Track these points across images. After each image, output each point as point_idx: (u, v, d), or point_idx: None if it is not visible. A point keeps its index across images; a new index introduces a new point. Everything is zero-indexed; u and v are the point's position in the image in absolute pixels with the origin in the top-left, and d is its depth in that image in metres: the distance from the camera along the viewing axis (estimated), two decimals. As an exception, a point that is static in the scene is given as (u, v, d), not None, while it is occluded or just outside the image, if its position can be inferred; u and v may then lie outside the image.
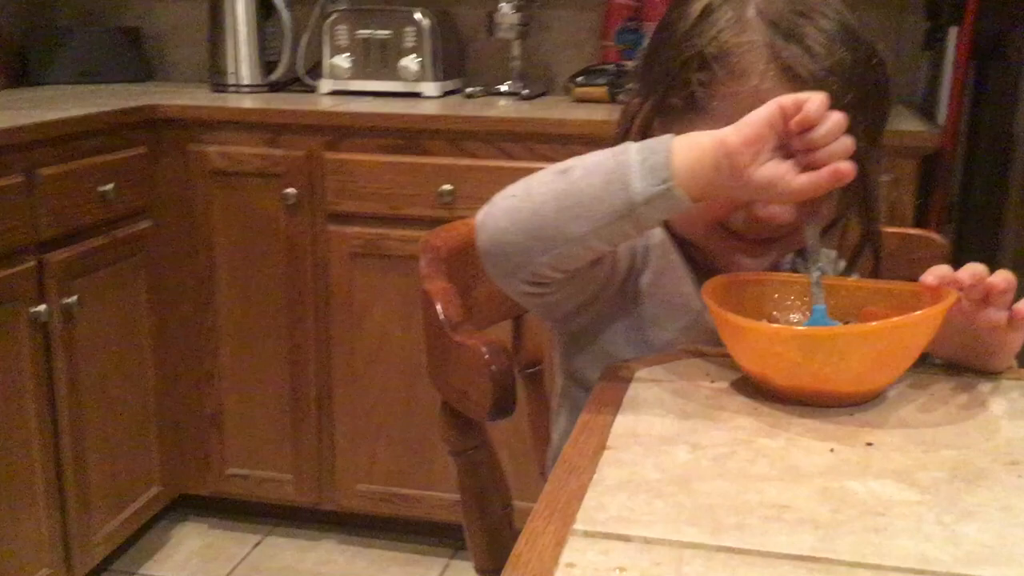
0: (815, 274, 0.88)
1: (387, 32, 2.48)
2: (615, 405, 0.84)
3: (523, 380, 1.29)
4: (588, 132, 2.12)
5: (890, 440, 0.78)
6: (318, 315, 2.35)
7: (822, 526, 0.66)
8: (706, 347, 0.94)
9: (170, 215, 2.37)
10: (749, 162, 0.80)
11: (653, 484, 0.71)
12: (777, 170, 0.80)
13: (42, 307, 2.00)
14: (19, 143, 1.96)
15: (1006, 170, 1.99)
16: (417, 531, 2.45)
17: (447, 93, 2.53)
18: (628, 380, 0.89)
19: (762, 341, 0.83)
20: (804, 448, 0.77)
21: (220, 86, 2.59)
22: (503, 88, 2.55)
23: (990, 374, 0.91)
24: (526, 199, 0.87)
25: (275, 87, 2.61)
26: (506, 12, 2.50)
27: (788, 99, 0.80)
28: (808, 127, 0.80)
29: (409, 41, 2.47)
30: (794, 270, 1.10)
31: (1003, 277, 0.86)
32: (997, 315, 0.87)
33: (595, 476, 0.73)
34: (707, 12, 0.97)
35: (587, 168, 0.85)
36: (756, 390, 0.86)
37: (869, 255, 1.06)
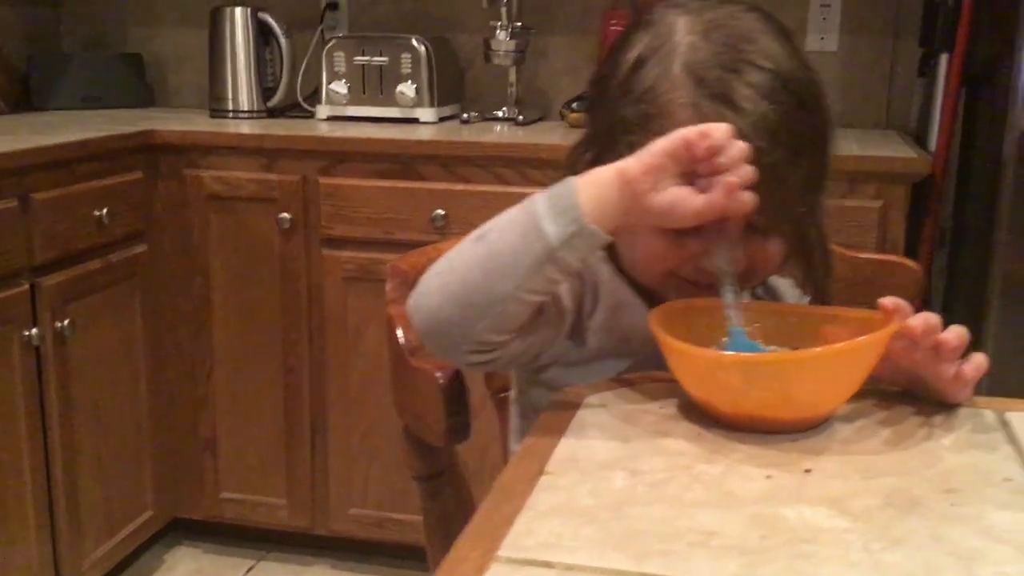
0: (728, 296, 0.88)
1: (384, 59, 2.50)
2: (560, 431, 0.84)
3: (495, 404, 1.30)
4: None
5: (829, 467, 0.78)
6: (312, 339, 2.36)
7: (748, 552, 0.65)
8: (658, 373, 0.94)
9: (166, 239, 2.38)
10: (649, 189, 0.82)
11: (586, 510, 0.71)
12: (677, 194, 0.83)
13: (35, 330, 2.01)
14: (13, 167, 1.98)
15: (996, 195, 1.98)
16: (410, 556, 2.44)
17: (444, 119, 2.55)
18: (577, 406, 0.89)
19: (704, 367, 0.83)
20: (742, 474, 0.77)
21: (219, 112, 2.62)
22: (499, 114, 2.57)
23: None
24: (451, 272, 0.88)
25: (273, 113, 2.63)
26: (502, 39, 2.52)
27: (692, 130, 0.82)
28: (716, 153, 0.81)
29: (406, 68, 2.49)
30: (755, 297, 1.10)
31: (956, 334, 0.85)
32: (947, 370, 0.86)
33: (528, 501, 0.72)
34: (638, 65, 0.96)
35: (501, 228, 0.86)
36: (703, 416, 0.86)
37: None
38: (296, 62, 2.66)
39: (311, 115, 2.60)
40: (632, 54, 0.98)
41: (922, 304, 2.10)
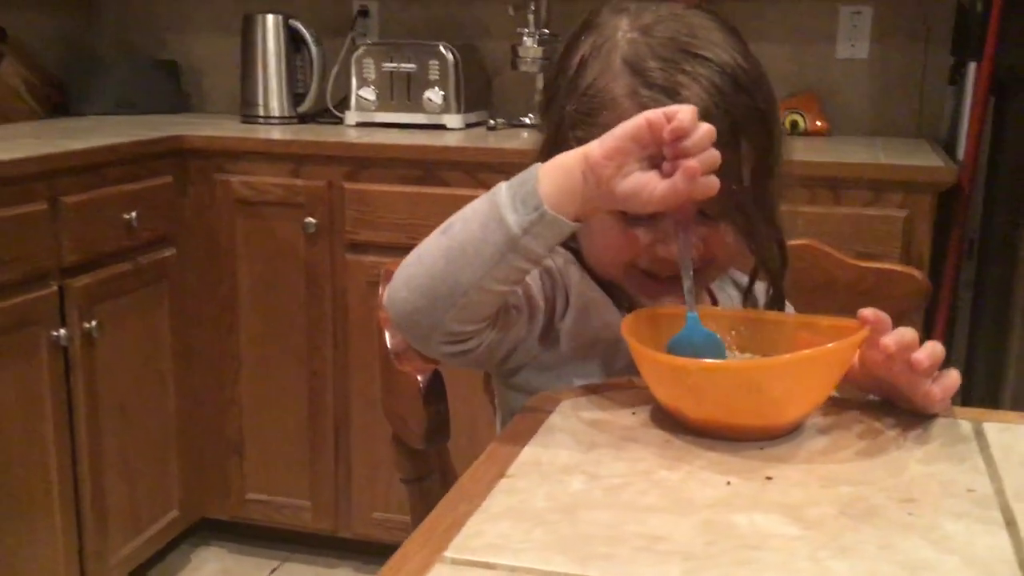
0: (687, 283, 0.88)
1: (412, 66, 2.52)
2: (528, 435, 0.84)
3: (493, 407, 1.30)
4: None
5: (791, 475, 0.77)
6: (336, 343, 2.38)
7: (692, 558, 0.65)
8: (636, 379, 0.94)
9: (194, 243, 2.42)
10: (613, 174, 0.82)
11: (538, 512, 0.72)
12: (640, 179, 0.82)
13: (63, 331, 2.05)
14: (43, 171, 2.02)
15: (1023, 205, 1.95)
16: (431, 560, 2.45)
17: (470, 125, 2.56)
18: (549, 411, 0.89)
19: (671, 373, 0.83)
20: (702, 480, 0.76)
21: (250, 117, 2.65)
22: (526, 120, 2.58)
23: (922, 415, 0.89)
24: (419, 264, 0.89)
25: (303, 119, 2.66)
26: (529, 46, 2.53)
27: (655, 112, 0.81)
28: (681, 136, 0.80)
29: (434, 74, 2.51)
30: (746, 302, 1.09)
31: (928, 353, 0.84)
32: (922, 384, 0.86)
33: (484, 503, 0.73)
34: (582, 64, 0.99)
35: (466, 218, 0.87)
36: (674, 423, 0.86)
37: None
38: (327, 68, 2.69)
39: (340, 121, 2.63)
40: (577, 56, 1.00)
41: (925, 315, 2.07)
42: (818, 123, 2.50)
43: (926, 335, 2.12)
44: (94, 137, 2.29)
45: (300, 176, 2.34)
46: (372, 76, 2.55)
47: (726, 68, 0.94)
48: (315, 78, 2.65)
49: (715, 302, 1.09)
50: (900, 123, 2.54)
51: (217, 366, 2.46)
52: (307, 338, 2.39)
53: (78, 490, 2.13)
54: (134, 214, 2.22)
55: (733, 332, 0.91)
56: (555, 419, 0.88)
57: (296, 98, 2.66)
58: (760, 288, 1.11)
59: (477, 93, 2.62)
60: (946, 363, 2.28)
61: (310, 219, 2.32)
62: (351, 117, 2.59)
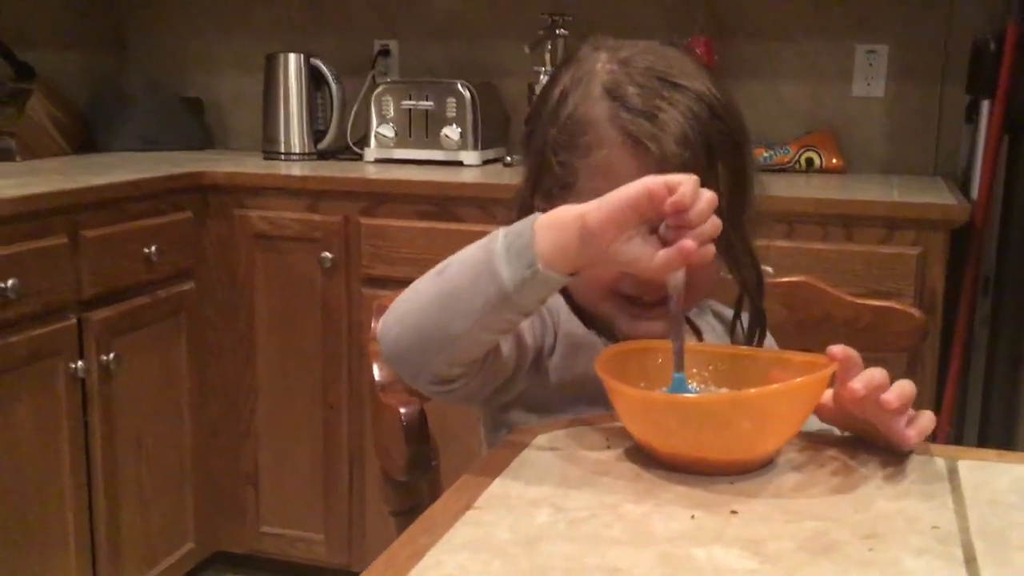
0: (676, 343, 0.88)
1: (430, 103, 2.56)
2: (500, 468, 0.85)
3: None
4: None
5: (757, 509, 0.77)
6: (351, 377, 2.40)
7: (646, 591, 0.66)
8: (615, 413, 0.95)
9: (213, 277, 2.45)
10: (612, 240, 0.81)
11: (500, 544, 0.72)
12: (638, 249, 0.81)
13: (80, 363, 2.08)
14: (65, 206, 2.06)
15: (1037, 244, 1.94)
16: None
17: (487, 162, 2.58)
18: (524, 445, 0.90)
19: (640, 407, 0.84)
20: (667, 514, 0.77)
21: (271, 153, 2.70)
22: (542, 158, 2.59)
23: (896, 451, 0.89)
24: (412, 304, 0.90)
25: (324, 155, 2.70)
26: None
27: (657, 181, 0.80)
28: (682, 210, 0.80)
29: (451, 112, 2.54)
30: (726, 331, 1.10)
31: (897, 394, 0.84)
32: (895, 422, 0.86)
33: (448, 535, 0.74)
34: (563, 95, 1.02)
35: (461, 264, 0.87)
36: (647, 458, 0.86)
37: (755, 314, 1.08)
38: (347, 106, 2.73)
39: (359, 157, 2.67)
40: (558, 88, 1.03)
41: (940, 353, 2.06)
42: (834, 160, 2.50)
43: (941, 372, 2.12)
44: (118, 173, 2.33)
45: (317, 211, 2.37)
46: (391, 113, 2.59)
47: (702, 96, 0.97)
48: (335, 115, 2.69)
49: (698, 333, 1.10)
50: (916, 161, 2.54)
51: (233, 399, 2.49)
52: (323, 372, 2.41)
53: (93, 521, 2.15)
54: (154, 248, 2.26)
55: (711, 367, 0.92)
56: (529, 452, 0.89)
57: (317, 135, 2.70)
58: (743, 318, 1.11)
59: (494, 130, 2.64)
60: (962, 400, 2.25)
61: (326, 254, 2.35)
62: (370, 154, 2.62)
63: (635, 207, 0.80)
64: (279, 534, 2.52)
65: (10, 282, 1.88)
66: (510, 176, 2.40)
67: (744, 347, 1.03)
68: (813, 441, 0.90)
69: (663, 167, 0.93)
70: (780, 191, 2.16)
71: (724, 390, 0.91)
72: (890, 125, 2.55)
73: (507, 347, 0.96)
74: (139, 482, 2.28)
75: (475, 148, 2.55)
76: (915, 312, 1.34)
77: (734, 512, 0.77)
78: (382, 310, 1.15)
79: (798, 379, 0.82)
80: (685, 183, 0.80)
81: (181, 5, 3.04)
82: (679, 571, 0.68)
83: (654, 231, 0.82)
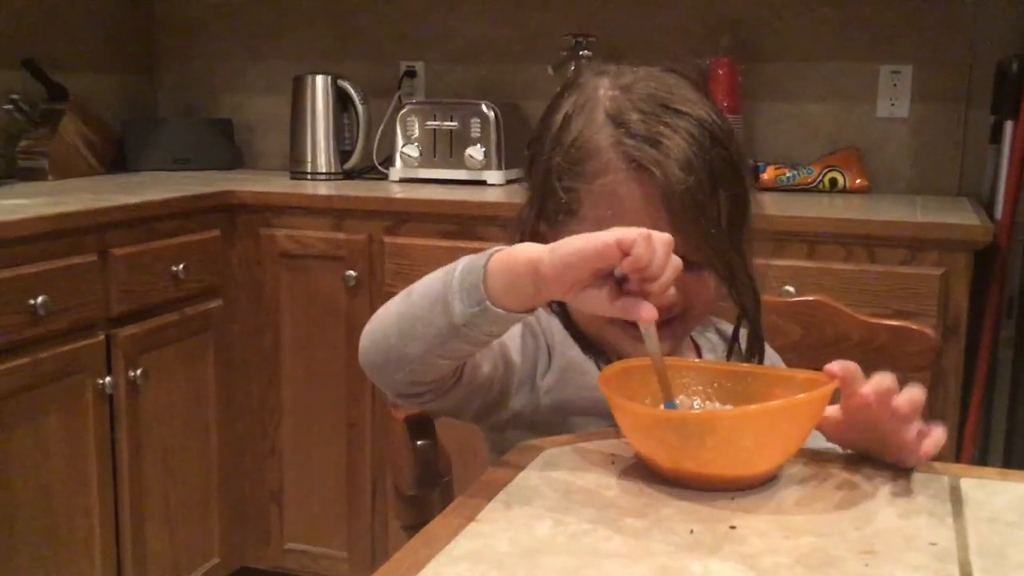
0: (660, 377, 0.88)
1: (455, 123, 2.58)
2: (505, 481, 0.86)
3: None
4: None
5: (756, 524, 0.78)
6: (375, 394, 2.41)
7: (639, 604, 0.66)
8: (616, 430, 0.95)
9: (240, 295, 2.48)
10: (566, 290, 0.82)
11: (499, 556, 0.73)
12: (592, 297, 0.82)
13: (108, 379, 2.11)
14: (94, 224, 2.10)
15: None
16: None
17: (511, 181, 2.60)
18: (531, 458, 0.91)
19: (642, 423, 0.85)
20: (667, 528, 0.77)
21: (299, 174, 2.73)
22: (566, 177, 2.61)
23: (901, 468, 0.89)
24: (379, 323, 0.93)
25: (350, 175, 2.73)
26: (570, 104, 2.57)
27: (608, 241, 0.79)
28: (640, 268, 0.80)
29: (475, 132, 2.57)
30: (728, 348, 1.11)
31: (907, 400, 0.84)
32: (906, 431, 0.86)
33: (448, 546, 0.75)
34: (566, 120, 1.03)
35: (422, 290, 0.90)
36: (651, 473, 0.87)
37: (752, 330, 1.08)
38: (373, 127, 2.76)
39: (385, 177, 2.69)
40: (560, 113, 1.04)
41: (964, 374, 2.05)
42: (858, 181, 2.49)
43: (965, 394, 2.10)
44: (147, 192, 2.37)
45: (342, 230, 2.39)
46: (416, 133, 2.62)
47: (703, 122, 0.98)
48: (361, 136, 2.72)
49: (698, 350, 1.10)
50: (942, 181, 2.53)
51: (259, 415, 2.51)
52: (347, 389, 2.43)
53: (119, 536, 2.18)
54: (182, 266, 2.29)
55: (715, 384, 0.93)
56: (534, 467, 0.90)
57: (343, 155, 2.73)
58: (743, 335, 1.12)
59: (518, 150, 2.66)
60: (987, 422, 2.24)
61: (351, 272, 2.37)
62: (395, 173, 2.65)
63: (586, 263, 0.80)
64: (303, 551, 2.53)
65: (40, 299, 1.92)
66: (534, 196, 2.42)
67: (746, 364, 1.04)
68: (815, 457, 0.91)
69: (667, 193, 0.95)
70: (803, 211, 2.17)
71: (728, 407, 0.92)
72: (914, 145, 2.55)
73: (488, 367, 0.98)
74: (165, 498, 2.30)
75: (499, 168, 2.57)
76: (930, 332, 1.34)
77: (733, 527, 0.78)
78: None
79: (799, 395, 0.82)
80: (638, 242, 0.79)
81: (212, 29, 3.09)
82: (674, 584, 0.69)
83: (609, 274, 0.82)
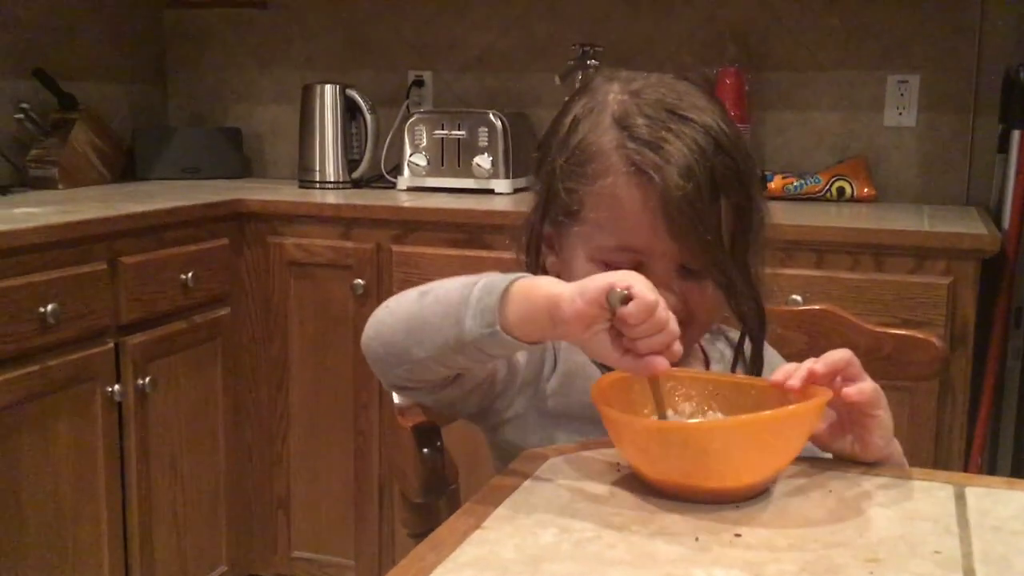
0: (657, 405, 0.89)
1: (462, 132, 2.59)
2: (511, 488, 0.87)
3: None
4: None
5: (761, 532, 0.78)
6: (383, 402, 2.42)
7: (644, 610, 0.67)
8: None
9: (248, 303, 2.49)
10: (580, 332, 0.83)
11: (504, 563, 0.74)
12: (603, 346, 0.83)
13: (117, 387, 2.12)
14: (104, 233, 2.11)
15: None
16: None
17: (518, 190, 2.61)
18: (536, 466, 0.91)
19: (628, 433, 0.85)
20: (671, 536, 0.78)
21: (307, 182, 2.74)
22: (574, 186, 2.61)
23: (894, 473, 0.90)
24: (391, 314, 0.94)
25: (358, 184, 2.75)
26: (578, 114, 2.57)
27: (620, 282, 0.81)
28: (634, 323, 0.81)
29: (483, 141, 2.58)
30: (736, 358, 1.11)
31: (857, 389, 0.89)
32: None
33: (453, 553, 0.75)
34: (574, 123, 1.03)
35: (438, 296, 0.90)
36: (656, 481, 0.87)
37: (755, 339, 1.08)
38: (381, 136, 2.77)
39: (393, 186, 2.70)
40: (569, 117, 1.05)
41: (972, 384, 2.05)
42: (865, 190, 2.50)
43: (973, 404, 2.10)
44: (156, 200, 2.38)
45: (350, 239, 2.40)
46: (424, 142, 2.63)
47: (709, 130, 0.98)
48: (369, 145, 2.73)
49: (707, 361, 1.10)
50: (949, 191, 2.53)
51: (267, 423, 2.52)
52: (354, 397, 2.44)
53: (128, 543, 2.19)
54: (191, 274, 2.30)
55: (718, 396, 0.93)
56: (540, 474, 0.90)
57: (351, 164, 2.74)
58: (770, 355, 1.12)
59: (525, 159, 2.67)
60: (994, 433, 2.23)
61: (359, 280, 2.38)
62: (403, 182, 2.66)
63: (603, 305, 0.81)
64: (310, 559, 2.54)
65: (50, 307, 1.93)
66: (541, 205, 2.42)
67: (747, 376, 1.04)
68: (819, 466, 0.91)
69: (665, 198, 0.95)
70: (811, 220, 2.17)
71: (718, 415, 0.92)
72: (922, 154, 2.55)
73: (490, 366, 0.98)
74: (173, 505, 2.31)
75: (506, 176, 2.58)
76: (936, 341, 1.33)
77: (737, 535, 0.78)
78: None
79: (785, 408, 0.83)
80: (644, 296, 0.80)
81: (221, 39, 3.11)
82: (678, 592, 0.69)
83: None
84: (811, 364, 0.88)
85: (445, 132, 2.61)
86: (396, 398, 1.09)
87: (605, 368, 1.04)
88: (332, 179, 2.73)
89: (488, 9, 2.84)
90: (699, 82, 1.05)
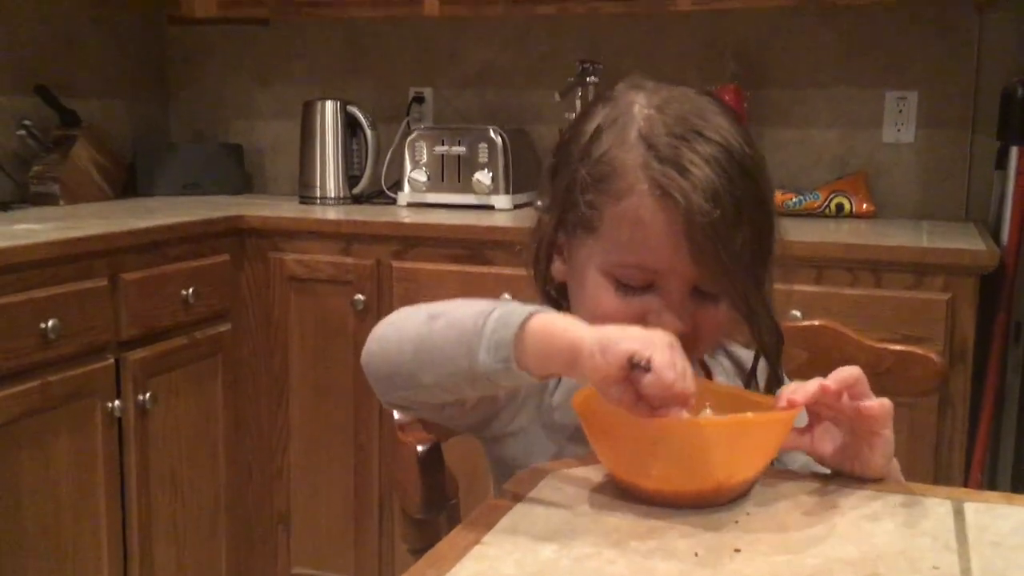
0: None
1: (463, 148, 2.60)
2: (509, 506, 0.87)
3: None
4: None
5: (761, 547, 0.79)
6: (383, 417, 2.42)
7: (644, 626, 0.67)
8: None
9: (249, 319, 2.50)
10: (597, 382, 0.83)
11: (504, 579, 0.74)
12: (618, 395, 0.82)
13: (117, 402, 2.12)
14: (105, 249, 2.12)
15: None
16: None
17: (519, 206, 2.62)
18: (538, 480, 0.92)
19: (601, 429, 0.86)
20: (671, 551, 0.78)
21: (307, 198, 2.75)
22: (573, 202, 2.62)
23: (893, 489, 0.90)
24: (397, 333, 0.93)
25: (358, 200, 2.75)
26: (577, 130, 2.59)
27: (642, 352, 0.81)
28: (651, 393, 0.81)
29: (483, 157, 2.59)
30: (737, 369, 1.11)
31: (879, 402, 0.90)
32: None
33: (454, 569, 0.75)
34: (597, 132, 1.01)
35: (450, 321, 0.89)
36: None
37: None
38: (382, 152, 2.78)
39: (393, 201, 2.71)
40: (593, 124, 1.02)
41: (972, 400, 2.05)
42: (864, 206, 2.50)
43: (973, 420, 2.10)
44: (157, 216, 2.39)
45: (350, 255, 2.41)
46: (424, 158, 2.64)
47: (734, 153, 0.96)
48: (370, 161, 2.74)
49: (709, 374, 1.10)
50: (948, 206, 2.54)
51: (267, 439, 2.52)
52: (355, 412, 2.44)
53: (128, 558, 2.18)
54: (191, 290, 2.31)
55: (720, 406, 0.93)
56: (540, 490, 0.90)
57: (352, 180, 2.75)
58: (761, 367, 1.12)
59: (526, 175, 2.68)
60: (994, 447, 2.23)
61: (359, 296, 2.39)
62: (403, 198, 2.67)
63: (623, 368, 0.81)
64: (310, 574, 2.53)
65: (51, 323, 1.93)
66: (541, 221, 2.43)
67: (735, 387, 1.04)
68: (819, 480, 0.91)
69: (690, 222, 0.93)
70: (810, 236, 2.17)
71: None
72: (920, 171, 2.56)
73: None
74: (173, 520, 2.31)
75: (507, 192, 2.59)
76: (935, 357, 1.34)
77: (737, 550, 0.78)
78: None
79: (758, 413, 0.84)
80: (655, 378, 0.80)
81: (223, 55, 3.12)
82: (678, 607, 0.69)
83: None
84: (820, 381, 0.88)
85: (445, 148, 2.62)
86: (396, 414, 1.10)
87: None
88: (332, 195, 2.74)
89: (488, 26, 2.85)
90: (718, 98, 1.04)
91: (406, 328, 0.92)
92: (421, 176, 2.63)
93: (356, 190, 2.75)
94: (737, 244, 0.94)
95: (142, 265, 2.20)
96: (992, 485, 2.19)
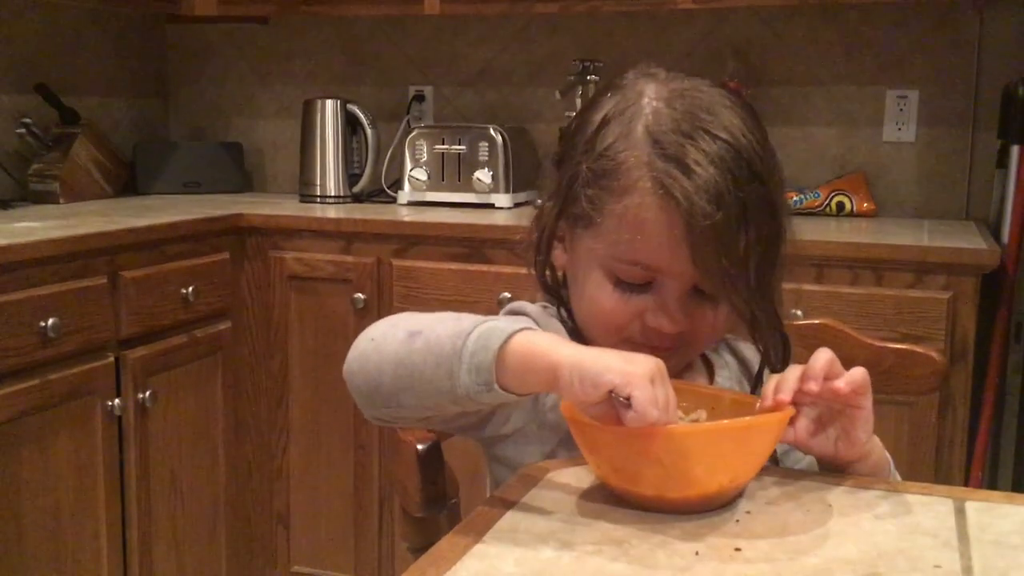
0: None
1: (463, 147, 2.60)
2: (512, 502, 0.87)
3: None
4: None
5: (762, 546, 0.78)
6: (383, 417, 2.42)
7: (644, 625, 0.67)
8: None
9: (249, 317, 2.50)
10: (578, 402, 0.83)
11: (504, 577, 0.74)
12: (603, 418, 0.82)
13: (117, 401, 2.12)
14: (105, 247, 2.11)
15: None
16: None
17: (519, 204, 2.61)
18: (537, 480, 0.92)
19: (586, 439, 0.86)
20: (672, 550, 0.78)
21: (308, 197, 2.75)
22: (574, 201, 2.62)
23: (889, 486, 0.90)
24: (376, 351, 0.91)
25: (358, 198, 2.75)
26: (578, 128, 2.58)
27: (623, 389, 0.79)
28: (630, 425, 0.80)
29: (483, 155, 2.58)
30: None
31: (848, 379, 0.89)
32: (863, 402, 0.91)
33: (454, 567, 0.75)
34: (604, 123, 0.99)
35: (429, 342, 0.86)
36: (655, 494, 0.87)
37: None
38: (382, 150, 2.78)
39: (393, 200, 2.71)
40: (600, 114, 1.00)
41: (972, 399, 2.05)
42: (865, 205, 2.50)
43: (973, 419, 2.10)
44: (157, 215, 2.39)
45: (350, 253, 2.41)
46: (424, 157, 2.63)
47: (742, 152, 0.94)
48: (370, 159, 2.74)
49: (711, 370, 1.10)
50: (949, 205, 2.54)
51: (267, 438, 2.52)
52: (354, 411, 2.42)
53: (127, 558, 2.18)
54: (191, 288, 2.31)
55: (716, 409, 0.93)
56: (540, 489, 0.90)
57: (352, 178, 2.75)
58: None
59: (526, 173, 2.68)
60: (995, 447, 2.23)
61: (359, 295, 2.38)
62: (404, 196, 2.67)
63: (600, 391, 0.80)
64: (310, 573, 2.53)
65: (50, 321, 1.93)
66: (541, 219, 2.43)
67: (730, 391, 1.04)
68: (820, 480, 0.91)
69: (691, 225, 0.92)
70: (810, 235, 2.17)
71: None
72: (921, 169, 2.56)
73: None
74: (173, 519, 2.31)
75: (506, 191, 2.59)
76: (936, 355, 1.33)
77: (738, 549, 0.78)
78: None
79: (745, 418, 0.84)
80: (636, 416, 0.79)
81: (223, 54, 3.12)
82: (679, 606, 0.69)
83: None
84: (799, 371, 0.89)
85: (445, 147, 2.61)
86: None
87: None
88: (333, 193, 2.74)
89: (488, 24, 2.85)
90: (734, 93, 1.00)
91: (385, 348, 0.90)
92: (421, 175, 2.63)
93: (356, 189, 2.75)
94: (740, 248, 0.92)
95: (142, 263, 2.20)
96: (993, 484, 2.19)
